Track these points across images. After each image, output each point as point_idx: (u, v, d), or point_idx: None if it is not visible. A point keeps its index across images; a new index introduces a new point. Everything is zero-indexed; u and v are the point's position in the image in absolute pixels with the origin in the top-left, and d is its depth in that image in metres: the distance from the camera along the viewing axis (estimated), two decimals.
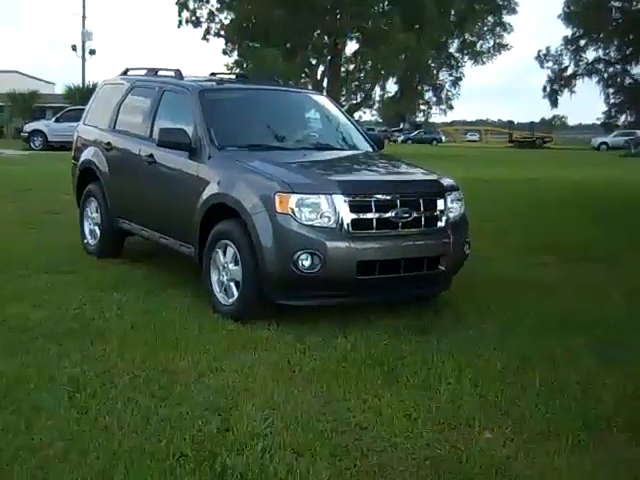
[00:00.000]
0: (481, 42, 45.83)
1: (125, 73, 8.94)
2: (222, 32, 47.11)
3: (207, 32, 46.49)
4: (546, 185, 21.57)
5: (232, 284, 6.42)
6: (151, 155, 7.48)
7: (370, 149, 7.80)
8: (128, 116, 8.31)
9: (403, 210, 6.23)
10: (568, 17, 48.03)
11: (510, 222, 12.87)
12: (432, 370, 5.35)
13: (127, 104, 8.39)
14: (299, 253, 5.93)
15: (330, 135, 8.03)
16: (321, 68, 49.61)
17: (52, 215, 12.16)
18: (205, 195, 6.64)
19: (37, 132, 37.31)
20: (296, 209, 5.98)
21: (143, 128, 7.82)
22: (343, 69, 50.02)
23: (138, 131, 7.94)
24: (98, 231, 8.64)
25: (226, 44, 47.91)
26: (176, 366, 5.26)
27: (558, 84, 55.74)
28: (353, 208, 6.06)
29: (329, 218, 6.02)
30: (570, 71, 54.27)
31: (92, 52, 64.19)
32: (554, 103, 56.29)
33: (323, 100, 8.51)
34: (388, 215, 6.17)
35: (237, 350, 5.66)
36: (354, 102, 52.00)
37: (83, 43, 62.77)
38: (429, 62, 45.92)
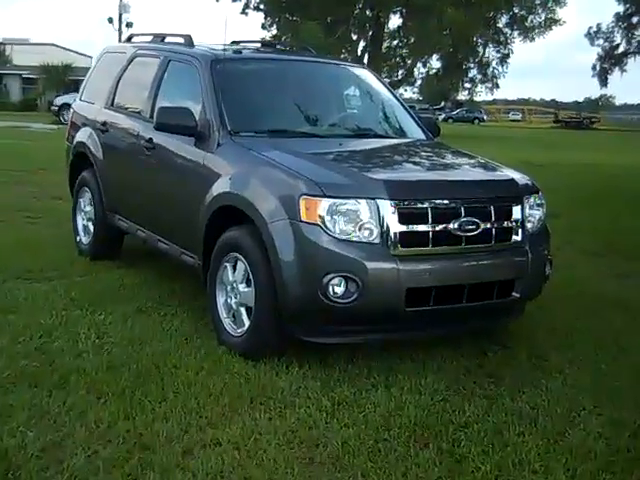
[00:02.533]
0: (532, 16, 43.46)
1: (129, 40, 7.46)
2: (261, 5, 45.62)
3: (246, 6, 45.06)
4: (606, 172, 19.69)
5: (242, 310, 4.96)
6: (150, 140, 6.02)
7: (423, 137, 6.23)
8: (128, 91, 6.84)
9: (469, 220, 4.70)
10: None
11: (578, 217, 11.18)
12: (509, 449, 3.85)
13: (128, 76, 6.90)
14: (330, 277, 4.44)
15: (373, 119, 6.44)
16: (362, 44, 47.92)
17: (57, 201, 10.76)
18: (212, 194, 5.16)
19: (67, 106, 36.02)
20: (327, 218, 4.48)
21: (144, 106, 6.35)
22: (385, 44, 48.27)
23: (138, 109, 6.47)
24: (92, 227, 7.20)
25: (265, 18, 46.41)
26: (155, 435, 3.82)
27: (608, 62, 53.31)
28: (403, 217, 4.55)
29: (371, 231, 4.52)
30: (622, 49, 51.86)
31: (129, 25, 62.83)
32: (604, 82, 53.84)
33: (366, 74, 6.89)
34: (449, 227, 4.65)
35: (242, 408, 4.20)
36: (395, 79, 50.26)
37: (120, 15, 61.48)
38: (475, 38, 43.78)
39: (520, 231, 4.99)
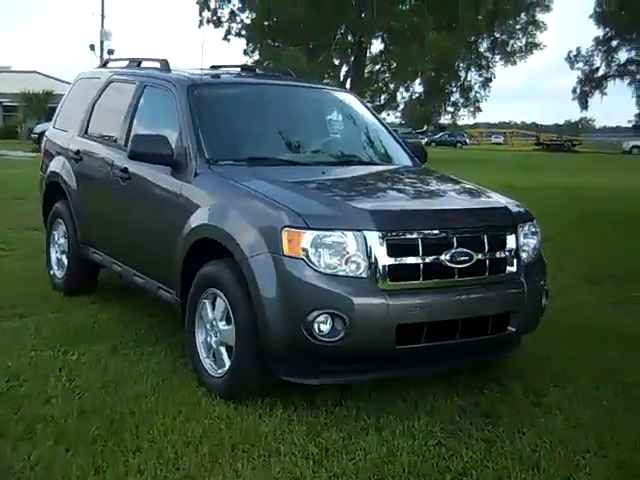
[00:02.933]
0: (513, 41, 43.61)
1: (105, 65, 7.19)
2: (243, 32, 45.59)
3: (228, 32, 44.97)
4: (590, 195, 19.55)
5: (223, 349, 4.66)
6: (125, 169, 5.74)
7: (410, 162, 5.98)
8: (103, 118, 6.56)
9: (461, 251, 4.45)
10: (600, 17, 45.91)
11: (566, 242, 10.95)
12: None
13: (102, 103, 6.62)
14: (315, 314, 4.16)
15: (358, 145, 6.18)
16: (344, 69, 47.96)
17: (32, 232, 10.41)
18: (190, 226, 4.88)
19: None
20: (312, 251, 4.21)
21: (118, 133, 6.07)
22: (367, 69, 48.35)
23: (112, 137, 6.19)
24: (66, 261, 6.88)
25: (247, 44, 46.35)
26: None
27: (589, 86, 53.62)
28: (392, 249, 4.29)
29: (358, 264, 4.25)
30: (601, 72, 52.17)
31: (110, 52, 62.29)
32: (584, 105, 54.15)
33: (349, 99, 6.64)
34: (441, 258, 4.39)
35: (223, 457, 3.90)
36: (378, 103, 50.29)
37: (102, 43, 61.13)
38: (457, 62, 43.87)
39: (515, 261, 4.74)
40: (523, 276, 4.76)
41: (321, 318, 4.17)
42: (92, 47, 61.14)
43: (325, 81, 46.99)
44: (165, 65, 6.05)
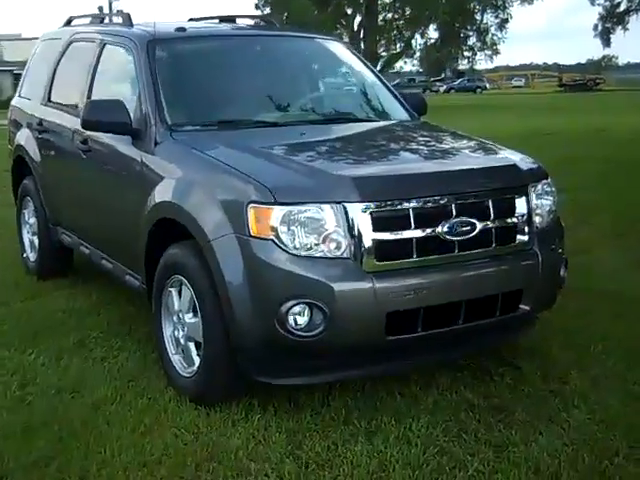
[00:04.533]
0: None
1: (69, 23, 6.47)
2: None
3: None
4: (619, 137, 18.52)
5: (191, 345, 4.05)
6: (85, 141, 5.09)
7: (407, 117, 5.25)
8: (64, 83, 5.88)
9: (462, 221, 3.76)
10: None
11: (598, 192, 10.16)
12: None
13: (63, 66, 5.94)
14: (289, 304, 3.52)
15: (346, 100, 5.44)
16: (358, 18, 46.75)
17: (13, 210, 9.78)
18: (149, 204, 4.24)
19: None
20: (282, 230, 3.55)
21: (79, 100, 5.39)
22: (381, 17, 47.12)
23: (73, 105, 5.51)
24: (37, 242, 6.28)
25: None
26: None
27: (610, 22, 51.84)
28: (379, 223, 3.61)
29: (338, 243, 3.59)
30: (623, 7, 50.34)
31: (119, 13, 61.85)
32: (606, 42, 52.37)
33: (338, 48, 5.85)
34: (438, 231, 3.71)
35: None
36: (394, 52, 49.10)
37: (110, 4, 60.36)
38: (472, 4, 42.42)
39: (527, 229, 4.04)
40: (537, 245, 4.07)
41: (297, 309, 3.53)
42: (100, 9, 60.35)
43: (338, 32, 45.95)
44: (127, 19, 5.34)
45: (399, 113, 5.25)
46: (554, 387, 4.17)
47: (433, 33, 46.34)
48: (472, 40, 44.93)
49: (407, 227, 3.66)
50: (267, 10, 44.56)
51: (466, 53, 45.84)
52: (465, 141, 4.69)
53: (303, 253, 3.56)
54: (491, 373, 4.33)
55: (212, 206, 3.79)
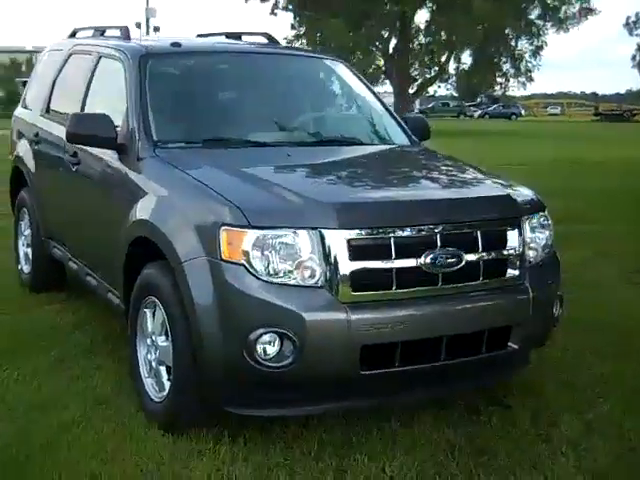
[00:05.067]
0: (565, 7, 41.57)
1: (73, 35, 6.40)
2: (289, 5, 44.66)
3: (275, 6, 44.12)
4: None
5: (162, 369, 3.89)
6: (75, 153, 4.99)
7: (406, 142, 5.08)
8: (61, 95, 5.80)
9: (447, 252, 3.57)
10: None
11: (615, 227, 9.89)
12: None
13: (62, 78, 5.87)
14: (258, 333, 3.35)
15: (343, 122, 5.28)
16: (393, 41, 46.55)
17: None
18: (128, 221, 4.11)
19: None
20: (254, 255, 3.39)
21: (72, 112, 5.27)
22: (416, 42, 46.96)
23: (67, 117, 5.40)
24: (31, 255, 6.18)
25: (294, 18, 45.44)
26: None
27: None
28: (357, 251, 3.44)
29: (313, 271, 3.42)
30: None
31: (156, 29, 62.03)
32: None
33: (339, 68, 5.55)
34: (420, 262, 3.53)
35: None
36: (427, 76, 48.88)
37: (147, 20, 60.91)
38: (507, 31, 42.12)
39: (518, 262, 3.84)
40: (529, 280, 3.86)
41: (266, 338, 3.37)
42: (138, 25, 60.65)
43: (372, 54, 45.86)
44: (125, 33, 5.25)
45: (397, 137, 5.07)
46: (543, 431, 3.95)
47: (467, 58, 46.13)
48: (506, 67, 44.61)
49: (387, 257, 3.49)
50: (302, 29, 44.71)
51: (499, 79, 45.51)
52: (461, 169, 4.50)
53: (275, 280, 3.40)
54: (479, 412, 4.12)
55: (186, 227, 3.64)
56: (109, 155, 4.52)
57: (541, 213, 4.09)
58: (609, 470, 3.55)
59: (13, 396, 4.22)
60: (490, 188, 4.16)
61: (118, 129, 4.43)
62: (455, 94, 63.48)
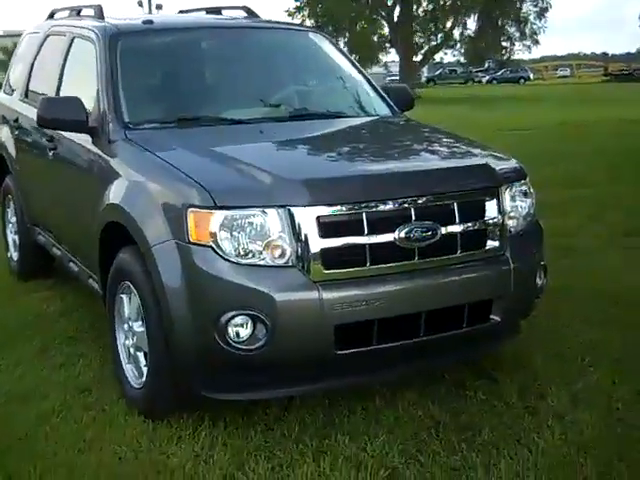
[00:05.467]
0: None
1: (52, 17, 6.29)
2: None
3: None
4: None
5: (140, 355, 3.84)
6: (52, 138, 4.91)
7: (387, 112, 4.95)
8: (38, 78, 5.72)
9: (422, 226, 3.48)
10: None
11: (608, 187, 9.75)
12: None
13: (39, 60, 5.78)
14: (229, 316, 3.28)
15: (320, 96, 5.14)
16: (397, 9, 46.03)
17: None
18: (100, 206, 4.04)
19: None
20: (222, 236, 3.31)
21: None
22: (421, 8, 46.47)
23: None
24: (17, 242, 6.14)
25: None
26: None
27: None
28: (328, 228, 3.35)
29: (283, 250, 3.34)
30: None
31: (159, 7, 61.88)
32: None
33: (317, 40, 5.41)
34: (393, 237, 3.44)
35: None
36: (433, 43, 48.44)
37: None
38: None
39: (498, 233, 3.74)
40: (509, 251, 3.77)
41: (238, 320, 3.30)
42: (140, 3, 60.63)
43: (376, 22, 45.37)
44: (98, 12, 5.13)
45: (378, 108, 4.94)
46: (530, 403, 3.87)
47: (473, 24, 45.59)
48: (512, 30, 44.07)
49: (359, 233, 3.40)
50: (304, 1, 44.34)
51: (504, 43, 44.98)
52: (440, 139, 4.40)
53: (244, 261, 3.32)
54: (465, 387, 4.05)
55: (155, 210, 3.57)
56: (82, 139, 4.43)
57: (522, 181, 3.98)
58: (596, 442, 3.47)
59: None
60: (468, 158, 4.05)
61: (90, 112, 4.34)
62: (463, 60, 62.91)
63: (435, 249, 3.54)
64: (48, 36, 5.72)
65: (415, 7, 45.42)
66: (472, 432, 3.59)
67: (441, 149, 4.24)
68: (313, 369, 3.47)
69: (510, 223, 3.84)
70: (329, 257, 3.35)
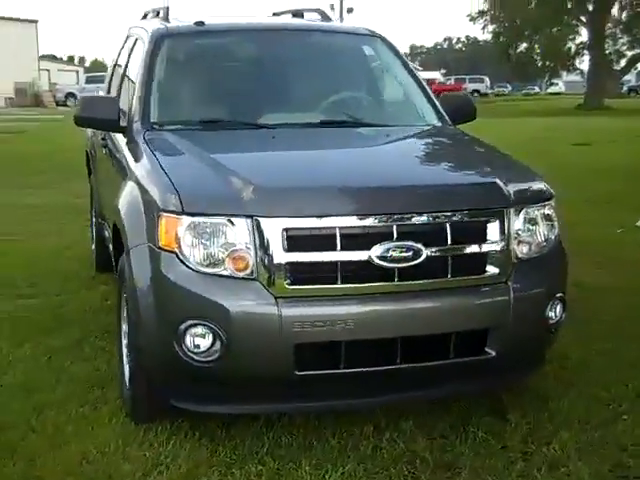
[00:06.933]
0: None
1: (145, 17, 6.47)
2: None
3: None
4: None
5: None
6: (104, 138, 5.06)
7: (436, 122, 4.65)
8: (114, 79, 5.91)
9: (401, 246, 3.23)
10: None
11: None
12: None
13: (118, 62, 5.96)
14: (186, 325, 3.20)
15: (362, 103, 4.88)
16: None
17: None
18: (114, 207, 4.09)
19: None
20: (186, 243, 3.24)
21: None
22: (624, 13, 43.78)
23: None
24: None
25: None
26: None
27: None
28: (296, 242, 3.20)
29: (246, 261, 3.21)
30: None
31: (349, 10, 63.00)
32: None
33: (372, 45, 5.13)
34: (368, 255, 3.22)
35: None
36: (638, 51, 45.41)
37: (341, 2, 61.65)
38: None
39: (501, 259, 3.41)
40: (513, 279, 3.42)
41: (197, 330, 3.21)
42: (332, 7, 61.99)
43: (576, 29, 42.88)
44: (165, 14, 5.20)
45: (428, 118, 4.66)
46: (530, 449, 3.51)
47: None
48: None
49: (330, 248, 3.20)
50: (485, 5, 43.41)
51: None
52: (467, 154, 4.06)
53: (206, 270, 3.23)
54: (470, 422, 3.73)
55: (139, 213, 3.56)
56: (119, 138, 4.52)
57: (542, 203, 3.62)
58: None
59: (12, 375, 4.34)
60: (476, 175, 3.73)
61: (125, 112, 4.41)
62: None
63: (420, 272, 3.28)
64: (128, 38, 5.89)
65: (618, 11, 42.93)
66: (448, 473, 3.30)
67: (455, 164, 3.93)
68: (275, 388, 3.31)
69: (519, 249, 3.49)
70: (295, 272, 3.19)
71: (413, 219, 3.29)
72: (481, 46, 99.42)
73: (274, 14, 6.45)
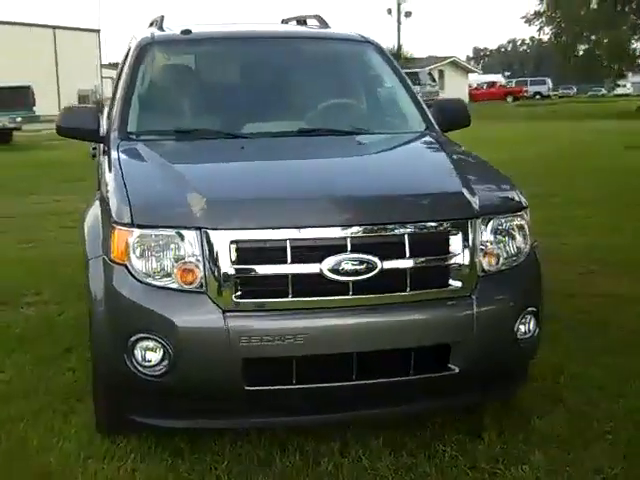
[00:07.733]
0: None
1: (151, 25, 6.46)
2: None
3: None
4: None
5: None
6: (95, 147, 5.07)
7: (423, 128, 4.50)
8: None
9: (353, 259, 3.12)
10: None
11: None
12: None
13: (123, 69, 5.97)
14: (134, 338, 3.15)
15: (344, 110, 4.71)
16: None
17: None
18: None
19: None
20: (135, 255, 3.19)
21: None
22: None
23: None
24: None
25: None
26: None
27: None
28: (245, 254, 3.12)
29: (194, 274, 3.15)
30: None
31: (407, 14, 62.67)
32: None
33: (360, 50, 5.01)
34: (319, 268, 3.12)
35: None
36: None
37: (398, 6, 61.35)
38: None
39: (465, 271, 3.27)
40: (478, 293, 3.28)
41: (147, 344, 3.16)
42: (389, 11, 61.84)
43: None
44: (159, 21, 5.19)
45: (413, 125, 4.51)
46: (499, 469, 3.36)
47: None
48: None
49: (279, 261, 3.12)
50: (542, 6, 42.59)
51: None
52: (441, 163, 3.90)
53: (153, 282, 3.18)
54: (443, 440, 3.59)
55: (98, 224, 3.54)
56: (101, 148, 4.51)
57: (513, 214, 3.46)
58: None
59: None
60: (442, 185, 3.57)
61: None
62: None
63: (376, 285, 3.17)
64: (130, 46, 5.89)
65: None
66: None
67: (421, 173, 3.77)
68: (226, 403, 3.24)
69: (485, 261, 3.35)
70: (244, 285, 3.12)
71: (367, 231, 3.17)
72: (545, 48, 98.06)
73: (282, 21, 6.40)
